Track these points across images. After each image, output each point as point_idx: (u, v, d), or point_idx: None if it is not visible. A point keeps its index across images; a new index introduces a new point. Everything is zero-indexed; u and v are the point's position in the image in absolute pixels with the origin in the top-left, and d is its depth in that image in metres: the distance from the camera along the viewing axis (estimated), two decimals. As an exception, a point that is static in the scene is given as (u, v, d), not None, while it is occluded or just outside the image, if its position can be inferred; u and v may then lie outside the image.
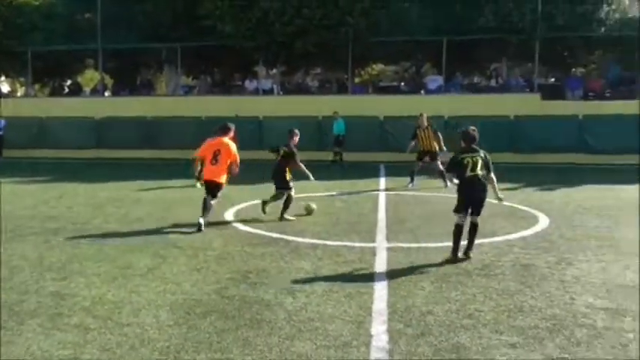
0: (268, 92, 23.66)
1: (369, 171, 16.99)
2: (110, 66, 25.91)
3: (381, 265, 6.53)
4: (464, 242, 6.77)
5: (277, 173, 9.66)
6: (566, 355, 4.06)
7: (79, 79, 28.74)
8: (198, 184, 11.98)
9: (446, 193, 12.51)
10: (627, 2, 23.22)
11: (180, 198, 11.84)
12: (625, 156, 19.01)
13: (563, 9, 20.65)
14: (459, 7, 21.12)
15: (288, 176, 9.60)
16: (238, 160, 9.11)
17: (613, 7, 21.59)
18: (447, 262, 6.59)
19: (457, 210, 6.85)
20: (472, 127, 7.16)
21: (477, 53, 22.25)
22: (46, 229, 8.46)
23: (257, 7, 20.99)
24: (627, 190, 12.64)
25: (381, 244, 7.61)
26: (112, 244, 7.54)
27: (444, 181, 12.86)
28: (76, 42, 23.59)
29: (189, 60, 24.32)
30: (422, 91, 22.95)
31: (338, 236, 8.03)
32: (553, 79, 24.71)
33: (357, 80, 26.07)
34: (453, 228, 6.76)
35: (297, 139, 9.85)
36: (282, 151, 9.68)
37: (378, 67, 27.58)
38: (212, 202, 8.89)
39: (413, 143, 14.28)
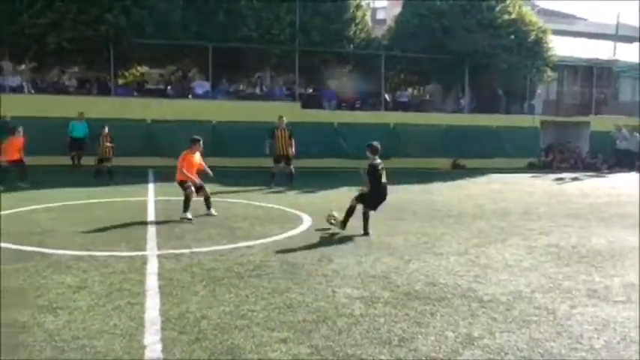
0: (17, 90, 21.15)
1: (136, 177, 16.31)
2: None
3: (152, 273, 6.35)
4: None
5: None
6: (331, 344, 4.45)
7: None
8: None
9: (215, 197, 12.67)
10: (370, 24, 26.22)
11: None
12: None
13: (318, 25, 22.48)
14: (222, 15, 21.54)
15: None
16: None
17: (360, 26, 24.19)
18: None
19: (370, 207, 8.89)
20: (376, 142, 9.01)
21: (243, 61, 22.96)
22: None
23: (0, -7, 18.70)
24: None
25: (151, 251, 7.39)
26: None
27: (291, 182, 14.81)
28: None
29: None
30: (189, 96, 22.83)
31: (105, 246, 7.57)
32: (311, 90, 26.68)
33: (120, 81, 24.83)
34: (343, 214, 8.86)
35: None
36: None
37: (143, 69, 26.62)
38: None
39: (268, 143, 15.39)
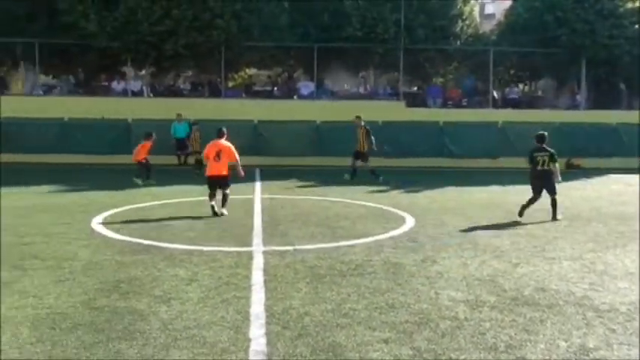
0: (137, 94, 22.73)
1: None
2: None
3: (257, 268, 6.55)
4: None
5: None
6: (434, 347, 4.35)
7: None
8: (139, 181, 14.48)
9: (317, 196, 12.87)
10: (478, 20, 25.41)
11: (40, 205, 11.00)
12: (481, 160, 20.80)
13: (423, 23, 22.13)
14: (327, 16, 21.82)
15: None
16: (238, 158, 10.92)
17: (467, 22, 23.51)
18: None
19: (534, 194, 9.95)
20: (542, 131, 10.25)
21: (346, 61, 23.11)
22: None
23: (124, 5, 20.11)
24: (483, 192, 13.82)
25: (257, 247, 7.63)
26: (-39, 257, 6.83)
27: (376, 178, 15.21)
28: None
29: (49, 57, 22.63)
30: (295, 97, 23.34)
31: (214, 242, 7.93)
32: (416, 88, 26.32)
33: (230, 84, 25.90)
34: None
35: None
36: None
37: (251, 71, 27.61)
38: (226, 191, 10.54)
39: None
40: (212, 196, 10.38)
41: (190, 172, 17.01)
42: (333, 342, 4.42)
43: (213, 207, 10.19)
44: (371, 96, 23.89)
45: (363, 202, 11.94)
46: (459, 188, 14.52)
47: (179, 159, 20.15)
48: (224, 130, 11.20)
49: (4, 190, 12.91)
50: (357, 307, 5.24)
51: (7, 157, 19.57)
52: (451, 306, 5.29)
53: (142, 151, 15.35)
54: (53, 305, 5.16)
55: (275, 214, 10.38)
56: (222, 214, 10.10)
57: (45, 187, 13.65)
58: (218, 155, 10.63)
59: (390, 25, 21.89)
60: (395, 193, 13.79)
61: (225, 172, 10.69)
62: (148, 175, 15.05)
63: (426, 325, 4.78)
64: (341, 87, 26.28)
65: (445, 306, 5.30)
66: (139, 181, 14.61)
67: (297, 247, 7.65)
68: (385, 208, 11.25)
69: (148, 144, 15.46)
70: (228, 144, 10.94)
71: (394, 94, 23.84)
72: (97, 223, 9.13)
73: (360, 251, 7.46)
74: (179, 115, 20.10)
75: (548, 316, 5.04)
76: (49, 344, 4.29)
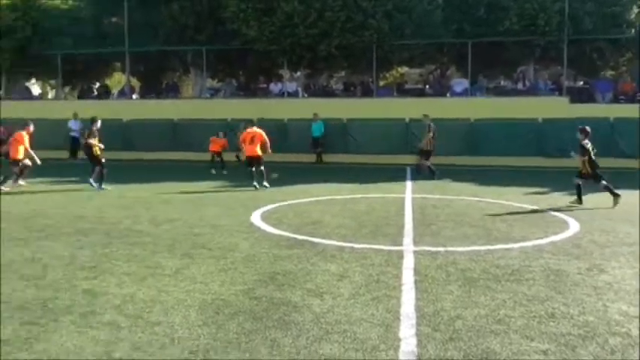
0: (293, 95, 23.76)
1: (395, 174, 16.93)
2: (137, 69, 26.28)
3: (408, 268, 6.49)
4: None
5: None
6: (600, 363, 3.99)
7: (107, 81, 29.20)
8: (213, 170, 16.96)
9: (471, 196, 12.45)
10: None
11: (207, 199, 11.96)
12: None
13: (590, 11, 20.38)
14: (483, 9, 20.99)
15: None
16: (268, 141, 13.91)
17: (643, 7, 21.28)
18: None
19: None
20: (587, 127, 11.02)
21: (503, 56, 22.07)
22: (77, 229, 8.61)
23: (280, 10, 21.11)
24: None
25: (408, 247, 7.57)
26: (142, 244, 7.63)
27: None
28: (103, 45, 24.00)
29: (215, 63, 24.56)
30: (447, 94, 22.81)
31: (365, 239, 8.02)
32: (582, 82, 24.36)
33: (381, 83, 26.03)
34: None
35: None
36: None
37: (403, 69, 27.49)
38: (261, 167, 13.62)
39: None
40: (251, 172, 13.62)
41: (332, 170, 17.79)
42: (487, 349, 4.23)
43: (253, 175, 13.50)
44: (530, 92, 22.55)
45: (521, 205, 11.32)
46: (632, 192, 13.13)
47: (317, 157, 21.04)
48: (254, 120, 14.80)
49: (178, 185, 14.24)
50: (513, 314, 4.97)
51: (180, 155, 21.57)
52: (622, 321, 4.81)
53: (215, 145, 17.79)
54: (217, 292, 5.56)
55: (427, 213, 10.23)
56: (265, 187, 13.28)
57: (212, 183, 14.80)
58: (252, 140, 13.74)
59: (553, 15, 20.49)
60: (557, 195, 12.87)
61: (259, 153, 13.76)
62: (221, 164, 17.37)
63: (592, 340, 4.39)
64: (497, 83, 25.18)
65: (615, 320, 4.82)
66: (213, 171, 16.85)
67: (449, 248, 7.46)
68: (546, 211, 10.56)
69: (222, 141, 17.88)
70: (260, 130, 13.96)
71: (556, 90, 22.27)
72: (256, 218, 9.69)
73: (517, 255, 7.07)
74: (315, 114, 20.85)
75: None
76: (214, 327, 4.63)
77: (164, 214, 9.98)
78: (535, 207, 10.99)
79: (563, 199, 12.09)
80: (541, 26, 20.51)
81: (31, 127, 14.29)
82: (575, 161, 11.76)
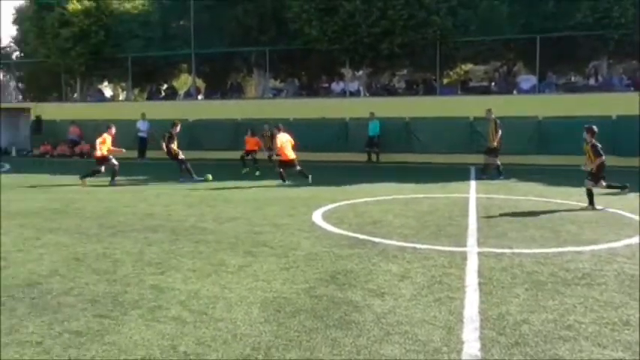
0: (355, 94, 23.73)
1: (458, 173, 16.61)
2: (202, 70, 26.98)
3: (472, 270, 6.35)
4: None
5: None
6: (680, 375, 3.76)
7: (174, 83, 30.13)
8: (245, 170, 17.45)
9: (539, 197, 12.05)
10: None
11: (270, 198, 12.13)
12: None
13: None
14: (552, 3, 20.24)
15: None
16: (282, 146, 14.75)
17: None
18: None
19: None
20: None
21: (574, 51, 21.20)
22: (146, 226, 8.92)
23: (343, 9, 21.12)
24: None
25: (472, 248, 7.40)
26: (206, 241, 7.82)
27: None
28: (170, 48, 24.78)
29: (278, 63, 24.88)
30: (514, 91, 22.16)
31: (427, 239, 7.90)
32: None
33: (445, 81, 25.59)
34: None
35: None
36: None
37: (467, 67, 26.91)
38: (298, 168, 14.72)
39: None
40: (285, 173, 14.56)
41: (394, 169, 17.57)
42: (555, 355, 4.07)
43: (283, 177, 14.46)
44: (604, 88, 21.55)
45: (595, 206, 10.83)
46: None
47: (369, 156, 20.97)
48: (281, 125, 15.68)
49: (241, 183, 14.52)
50: (584, 320, 4.76)
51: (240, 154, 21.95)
52: None
53: (249, 144, 18.25)
54: (279, 290, 5.62)
55: (492, 214, 9.97)
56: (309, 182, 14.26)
57: (274, 182, 14.99)
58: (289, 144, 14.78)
59: (629, 7, 19.51)
60: (632, 196, 12.22)
61: (294, 156, 14.74)
62: (254, 163, 17.58)
63: (670, 349, 4.15)
64: (567, 79, 24.24)
65: (696, 329, 4.53)
66: (245, 170, 17.38)
67: (516, 250, 7.23)
68: (620, 212, 10.07)
69: (255, 139, 18.34)
70: (281, 134, 15.04)
71: (632, 85, 21.19)
72: (317, 216, 9.73)
73: (589, 259, 6.77)
74: (372, 113, 20.76)
75: None
76: (275, 325, 4.68)
77: (227, 213, 10.19)
78: (608, 208, 10.50)
79: (635, 200, 11.47)
80: (615, 18, 19.58)
81: (113, 130, 15.52)
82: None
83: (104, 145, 15.06)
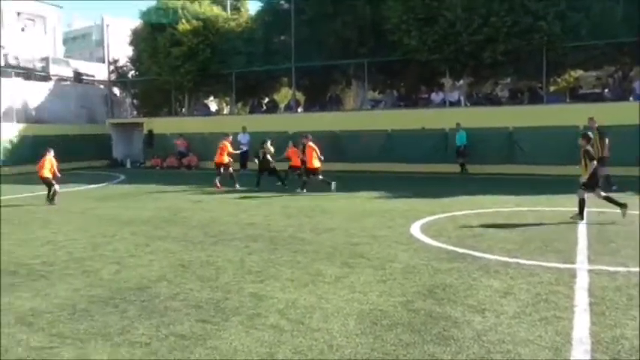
0: (455, 104, 23.21)
1: (566, 186, 15.69)
2: (302, 83, 27.56)
3: (581, 288, 5.95)
4: None
5: None
6: None
7: (275, 96, 31.02)
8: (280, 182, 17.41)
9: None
10: None
11: (367, 209, 12.10)
12: None
13: None
14: (672, 3, 18.74)
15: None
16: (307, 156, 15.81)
17: None
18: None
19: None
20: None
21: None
22: (247, 236, 9.21)
23: (443, 19, 20.75)
24: None
25: (581, 265, 6.94)
26: (304, 251, 7.93)
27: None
28: (272, 63, 25.57)
29: (376, 75, 24.89)
30: (630, 98, 20.66)
31: (532, 255, 7.51)
32: None
33: (552, 88, 24.36)
34: None
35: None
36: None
37: (577, 73, 25.42)
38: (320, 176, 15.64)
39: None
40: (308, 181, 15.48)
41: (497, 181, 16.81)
42: (679, 386, 3.71)
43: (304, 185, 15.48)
44: None
45: None
46: None
47: (462, 167, 20.50)
48: (308, 135, 16.28)
49: (339, 195, 14.62)
50: None
51: (339, 166, 22.15)
52: None
53: (292, 156, 17.99)
54: (376, 302, 5.57)
55: (604, 229, 9.32)
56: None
57: (372, 193, 14.96)
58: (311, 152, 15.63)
59: None
60: None
61: (319, 165, 15.77)
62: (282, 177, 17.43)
63: None
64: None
65: None
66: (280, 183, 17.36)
67: (632, 268, 6.70)
68: None
69: (295, 150, 17.95)
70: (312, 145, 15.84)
71: None
72: (415, 229, 9.57)
73: None
74: (458, 124, 20.34)
75: None
76: (372, 337, 4.63)
77: (324, 224, 10.28)
78: None
79: None
80: None
81: (230, 138, 17.96)
82: None
83: (225, 152, 17.26)
